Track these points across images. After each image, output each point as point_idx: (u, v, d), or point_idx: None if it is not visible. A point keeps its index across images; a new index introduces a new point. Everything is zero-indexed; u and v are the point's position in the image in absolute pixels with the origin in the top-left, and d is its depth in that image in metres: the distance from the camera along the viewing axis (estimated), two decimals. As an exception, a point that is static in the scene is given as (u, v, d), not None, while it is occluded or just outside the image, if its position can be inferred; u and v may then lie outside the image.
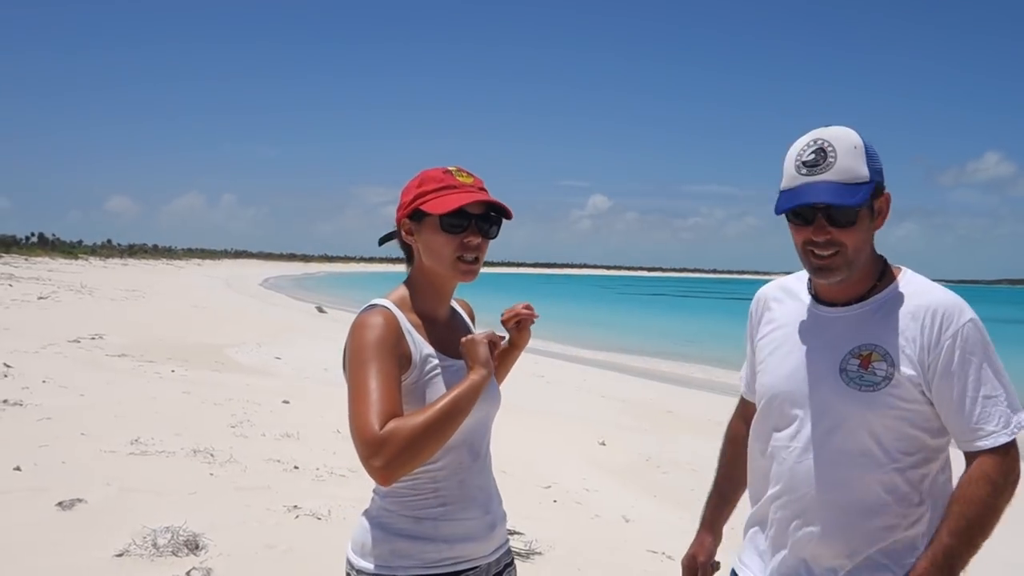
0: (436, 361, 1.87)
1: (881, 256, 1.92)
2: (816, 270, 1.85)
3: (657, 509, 6.50)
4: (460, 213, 1.83)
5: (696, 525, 2.31)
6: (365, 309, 1.87)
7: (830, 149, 1.80)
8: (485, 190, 1.88)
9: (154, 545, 4.10)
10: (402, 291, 1.94)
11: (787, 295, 2.05)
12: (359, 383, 1.72)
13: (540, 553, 4.81)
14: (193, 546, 4.14)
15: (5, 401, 7.69)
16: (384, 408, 1.68)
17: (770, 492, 1.95)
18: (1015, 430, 1.79)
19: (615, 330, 29.62)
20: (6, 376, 9.26)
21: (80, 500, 4.79)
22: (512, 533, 2.13)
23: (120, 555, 4.04)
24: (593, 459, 8.17)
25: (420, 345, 1.86)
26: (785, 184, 1.83)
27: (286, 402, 9.29)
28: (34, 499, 4.80)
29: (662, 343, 25.34)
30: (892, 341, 1.81)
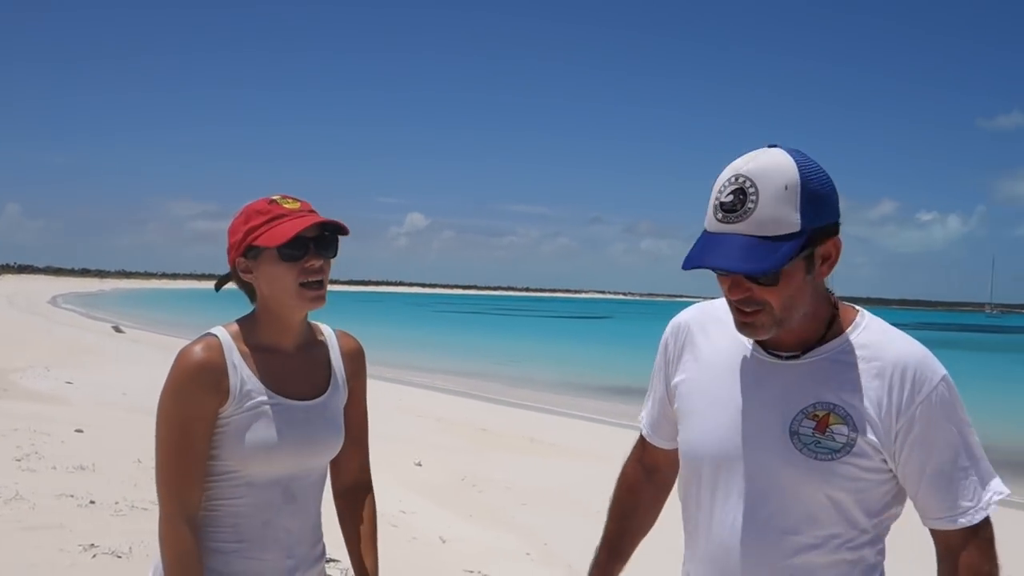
0: (262, 398, 1.79)
1: (830, 295, 1.60)
2: (739, 326, 1.54)
3: (474, 528, 6.56)
4: (296, 240, 1.77)
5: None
6: (195, 339, 1.82)
7: (751, 191, 1.43)
8: (315, 211, 1.84)
9: (-72, 596, 3.74)
10: (243, 321, 1.88)
11: (718, 328, 1.67)
12: (163, 444, 1.78)
13: (356, 580, 4.75)
14: (-26, 594, 3.80)
15: None
16: (181, 494, 1.76)
17: (699, 571, 1.66)
18: (992, 500, 1.53)
19: (430, 348, 29.67)
20: None
21: None
22: (329, 561, 2.08)
23: None
24: (409, 480, 8.15)
25: (245, 379, 1.79)
26: (705, 225, 1.50)
27: (80, 431, 8.70)
28: None
29: (476, 361, 25.61)
30: (854, 401, 1.51)
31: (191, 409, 1.76)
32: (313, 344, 1.93)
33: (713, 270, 1.49)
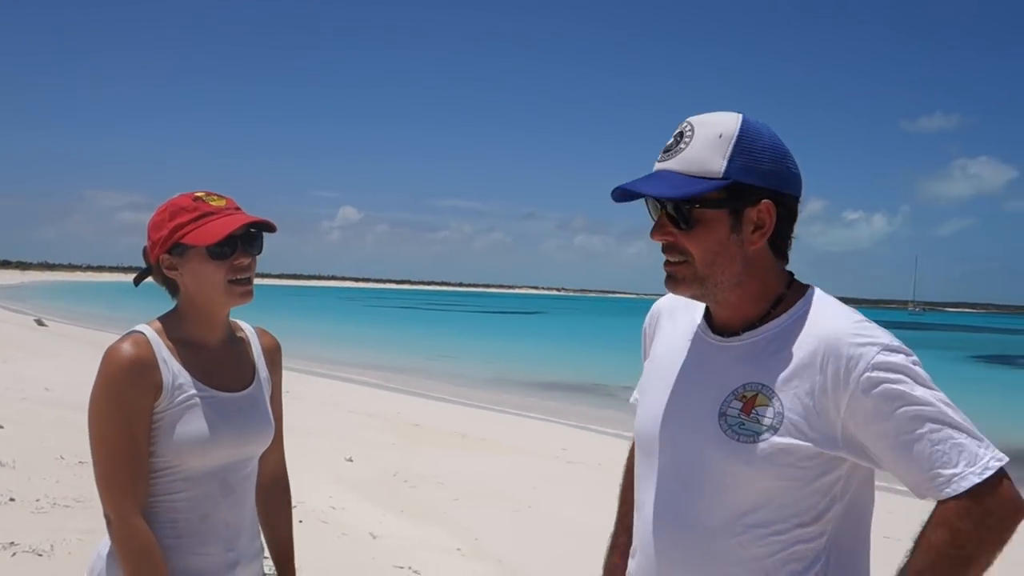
0: (192, 391, 1.81)
1: (785, 274, 1.56)
2: (665, 279, 1.54)
3: (404, 524, 6.58)
4: (227, 239, 1.79)
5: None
6: (121, 337, 1.82)
7: (688, 133, 1.48)
8: (240, 208, 1.86)
9: None
10: (166, 318, 1.89)
11: (684, 312, 1.67)
12: (107, 443, 1.77)
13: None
14: None
15: None
16: (135, 490, 1.77)
17: (634, 558, 1.63)
18: (991, 465, 1.38)
19: (362, 343, 29.47)
20: None
21: None
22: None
23: None
24: (340, 476, 8.12)
25: (175, 373, 1.81)
26: None
27: (0, 427, 8.46)
28: None
29: (408, 357, 25.53)
30: (784, 382, 1.45)
31: (129, 404, 1.76)
32: (235, 339, 1.98)
33: (624, 193, 1.50)
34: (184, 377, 1.82)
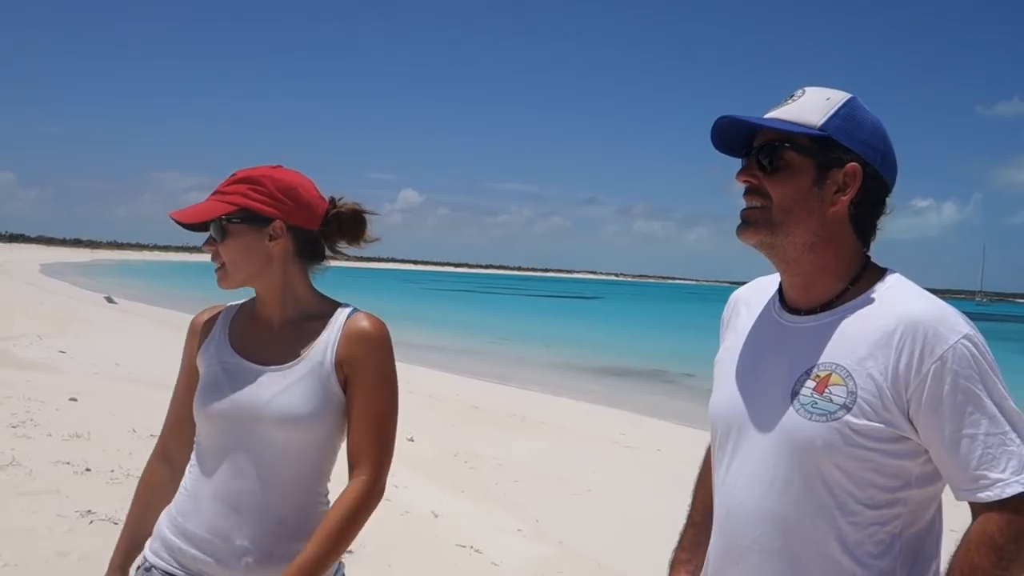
0: (223, 358, 1.88)
1: (863, 256, 1.55)
2: (738, 226, 1.54)
3: (465, 504, 6.64)
4: (193, 228, 1.88)
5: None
6: None
7: (799, 94, 1.53)
8: (219, 193, 1.87)
9: (-71, 557, 3.80)
10: None
11: (759, 298, 1.67)
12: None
13: (351, 552, 4.82)
14: (-25, 557, 3.86)
15: None
16: (162, 433, 2.03)
17: (713, 541, 1.63)
18: None
19: (422, 325, 29.70)
20: None
21: None
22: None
23: None
24: (402, 455, 8.14)
25: (218, 340, 1.91)
26: None
27: (74, 399, 8.73)
28: None
29: (467, 339, 25.68)
30: (858, 361, 1.43)
31: (183, 357, 1.94)
32: (309, 319, 1.88)
33: (723, 135, 1.55)
34: (221, 344, 1.90)
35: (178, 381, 1.95)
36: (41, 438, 6.73)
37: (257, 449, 1.80)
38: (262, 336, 1.88)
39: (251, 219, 1.83)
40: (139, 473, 6.17)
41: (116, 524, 4.69)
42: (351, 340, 1.83)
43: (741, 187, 1.56)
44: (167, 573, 1.83)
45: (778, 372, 1.51)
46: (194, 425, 1.88)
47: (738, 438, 1.55)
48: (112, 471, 5.89)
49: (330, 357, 1.82)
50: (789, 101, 1.52)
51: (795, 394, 1.46)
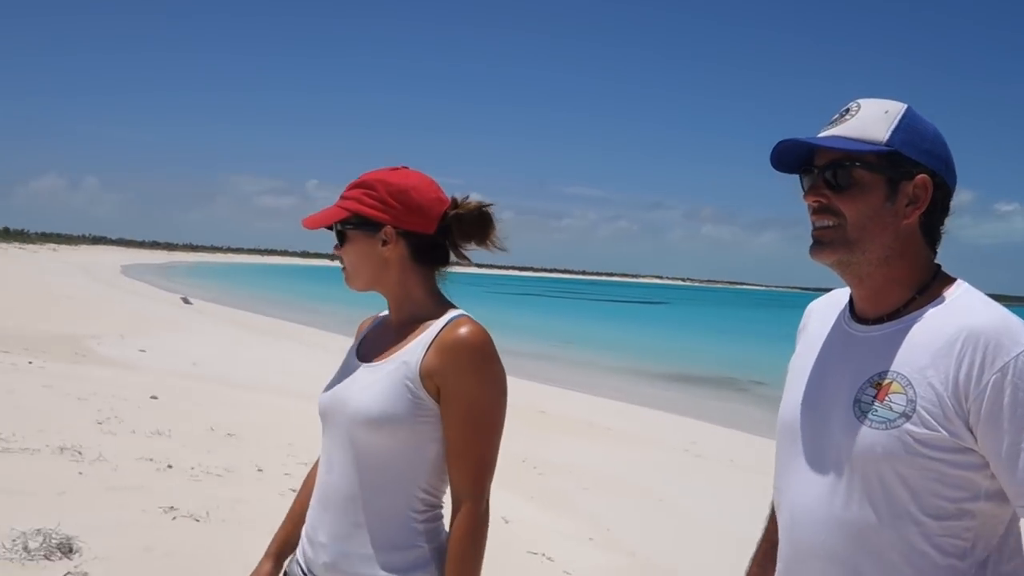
0: (347, 356, 1.94)
1: (933, 265, 1.55)
2: (811, 245, 1.54)
3: (535, 510, 6.63)
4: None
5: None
6: None
7: (854, 108, 1.52)
8: (342, 197, 1.88)
9: (25, 548, 3.93)
10: None
11: (833, 308, 1.67)
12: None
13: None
14: (67, 549, 3.99)
15: None
16: None
17: (780, 547, 1.62)
18: None
19: (487, 329, 29.83)
20: None
21: (-62, 501, 4.54)
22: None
23: (-12, 559, 3.85)
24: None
25: (358, 342, 1.96)
26: None
27: (154, 397, 8.98)
28: None
29: (533, 343, 25.66)
30: (919, 370, 1.43)
31: None
32: (418, 322, 1.84)
33: (782, 156, 1.54)
34: (357, 345, 1.95)
35: None
36: (125, 434, 6.94)
37: (343, 445, 1.79)
38: (380, 337, 1.89)
39: (363, 224, 1.83)
40: (218, 471, 6.31)
41: (198, 521, 4.83)
42: (442, 348, 1.75)
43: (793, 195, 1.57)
44: (299, 567, 1.88)
45: (843, 380, 1.52)
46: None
47: (802, 444, 1.56)
48: (192, 468, 6.03)
49: (417, 360, 1.75)
50: (847, 116, 1.52)
51: (857, 401, 1.47)
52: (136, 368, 12.11)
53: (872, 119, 1.49)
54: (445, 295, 1.91)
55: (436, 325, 1.80)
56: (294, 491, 6.10)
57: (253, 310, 28.89)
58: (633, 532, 6.39)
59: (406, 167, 1.89)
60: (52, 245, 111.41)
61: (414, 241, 1.84)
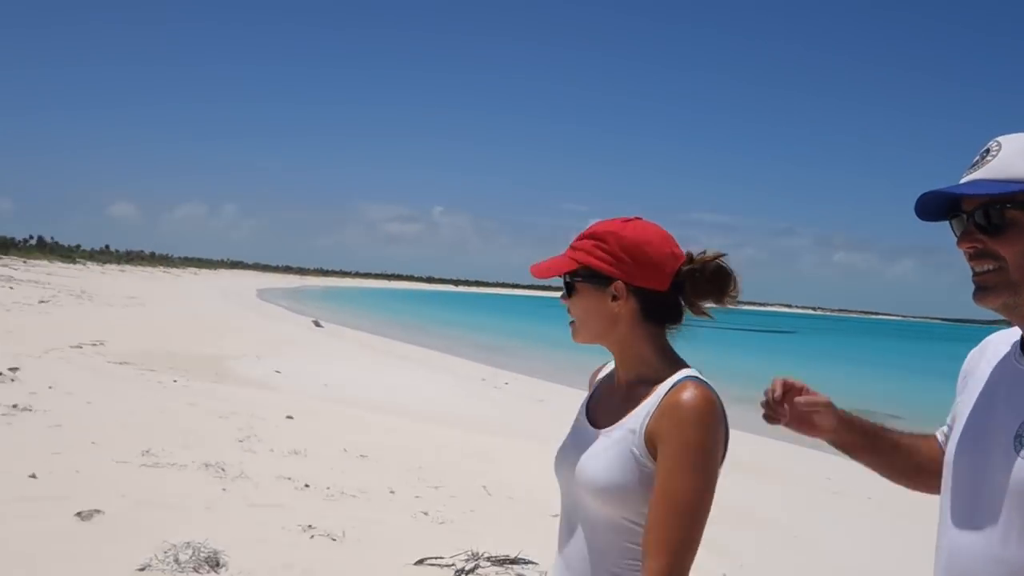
0: (575, 418, 1.86)
1: None
2: (974, 291, 1.51)
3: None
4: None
5: None
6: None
7: (995, 148, 1.48)
8: (572, 247, 1.81)
9: (176, 561, 4.11)
10: None
11: (1004, 346, 1.63)
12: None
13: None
14: (214, 563, 4.15)
15: (15, 406, 7.70)
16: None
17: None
18: None
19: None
20: (13, 380, 9.26)
21: (98, 511, 4.79)
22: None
23: (142, 569, 4.04)
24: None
25: (584, 402, 1.89)
26: None
27: (290, 417, 9.29)
28: (53, 508, 4.80)
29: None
30: None
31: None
32: (647, 381, 1.75)
33: (926, 206, 1.52)
34: (582, 406, 1.88)
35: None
36: (264, 453, 7.19)
37: (578, 511, 1.74)
38: (606, 397, 1.83)
39: (593, 278, 1.75)
40: (353, 492, 6.44)
41: (335, 540, 4.93)
42: (664, 411, 1.65)
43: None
44: None
45: (1006, 416, 1.48)
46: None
47: (963, 480, 1.53)
48: (328, 488, 6.19)
49: (642, 426, 1.67)
50: (988, 158, 1.47)
51: (1018, 436, 1.43)
52: (272, 388, 12.58)
53: (1015, 155, 1.45)
54: (675, 353, 1.81)
55: (663, 388, 1.70)
56: (425, 514, 6.19)
57: (381, 333, 29.61)
58: (769, 568, 6.17)
59: (640, 218, 1.81)
60: (193, 269, 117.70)
61: (645, 298, 1.76)
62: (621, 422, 1.71)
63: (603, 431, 1.74)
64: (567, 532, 1.78)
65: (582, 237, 1.81)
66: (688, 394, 1.64)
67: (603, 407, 1.81)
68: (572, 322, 1.81)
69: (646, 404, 1.69)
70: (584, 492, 1.70)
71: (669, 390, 1.68)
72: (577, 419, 1.86)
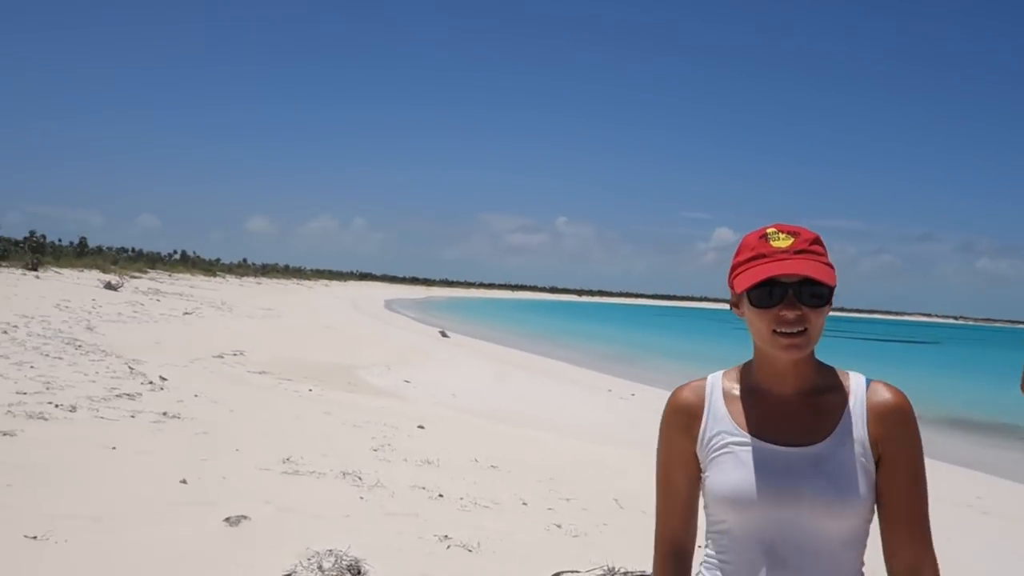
0: (729, 439, 1.71)
1: None
2: None
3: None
4: (769, 285, 1.66)
5: None
6: (688, 382, 1.85)
7: None
8: (807, 251, 1.68)
9: (319, 568, 4.21)
10: (750, 361, 1.81)
11: None
12: (656, 475, 1.85)
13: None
14: (355, 571, 4.22)
15: (165, 413, 8.10)
16: (661, 526, 1.83)
17: None
18: None
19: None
20: (162, 389, 9.75)
21: (244, 517, 4.97)
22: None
23: (288, 576, 4.16)
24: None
25: (718, 421, 1.74)
26: None
27: (421, 427, 9.43)
28: (203, 513, 5.00)
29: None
30: None
31: (666, 448, 1.80)
32: (825, 390, 1.73)
33: None
34: (728, 426, 1.73)
35: (667, 465, 1.81)
36: (398, 462, 7.31)
37: (798, 537, 1.66)
38: (776, 413, 1.73)
39: (831, 290, 1.70)
40: (486, 503, 6.46)
41: (470, 551, 4.95)
42: (882, 416, 1.68)
43: None
44: None
45: None
46: (696, 515, 1.81)
47: None
48: (461, 498, 6.23)
49: (864, 434, 1.68)
50: None
51: None
52: (402, 398, 12.83)
53: None
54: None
55: (857, 391, 1.73)
56: (559, 526, 6.13)
57: (506, 343, 29.85)
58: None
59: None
60: (325, 280, 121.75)
61: None
62: (836, 433, 1.69)
63: (812, 447, 1.68)
64: (772, 565, 1.67)
65: (814, 242, 1.71)
66: (893, 394, 1.71)
67: (784, 424, 1.71)
68: (802, 332, 1.65)
69: (853, 410, 1.71)
70: (812, 513, 1.64)
71: (867, 392, 1.72)
72: (739, 444, 1.71)
